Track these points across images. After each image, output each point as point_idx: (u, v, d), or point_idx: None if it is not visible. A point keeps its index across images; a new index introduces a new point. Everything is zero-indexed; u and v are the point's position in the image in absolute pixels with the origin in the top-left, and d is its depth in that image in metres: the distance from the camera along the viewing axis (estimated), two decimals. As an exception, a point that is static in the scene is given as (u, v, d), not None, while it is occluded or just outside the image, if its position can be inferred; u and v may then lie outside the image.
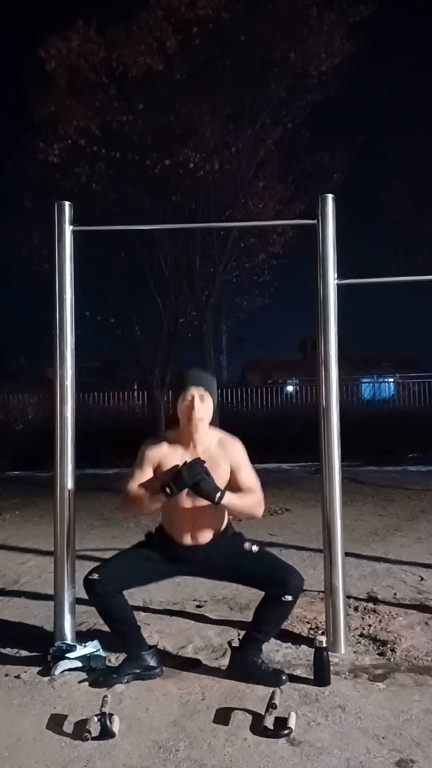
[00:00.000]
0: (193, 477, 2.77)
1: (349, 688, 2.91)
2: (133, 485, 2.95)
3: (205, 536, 3.00)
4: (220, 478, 2.91)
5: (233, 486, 2.97)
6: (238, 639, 3.49)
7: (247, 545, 3.03)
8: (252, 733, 2.54)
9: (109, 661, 3.22)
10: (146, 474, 2.97)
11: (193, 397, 2.92)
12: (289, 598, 2.92)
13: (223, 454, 2.97)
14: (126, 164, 9.34)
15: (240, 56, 9.18)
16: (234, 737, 2.52)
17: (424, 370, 18.21)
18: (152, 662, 3.04)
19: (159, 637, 3.53)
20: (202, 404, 2.93)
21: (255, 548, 3.03)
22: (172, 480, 2.80)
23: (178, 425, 3.03)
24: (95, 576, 2.91)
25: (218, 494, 2.81)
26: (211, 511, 2.92)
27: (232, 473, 2.98)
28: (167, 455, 2.97)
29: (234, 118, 9.50)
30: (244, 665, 3.01)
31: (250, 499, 2.94)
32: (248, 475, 3.00)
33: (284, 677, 2.94)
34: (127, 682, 2.96)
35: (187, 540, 3.00)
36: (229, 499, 2.86)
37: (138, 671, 3.01)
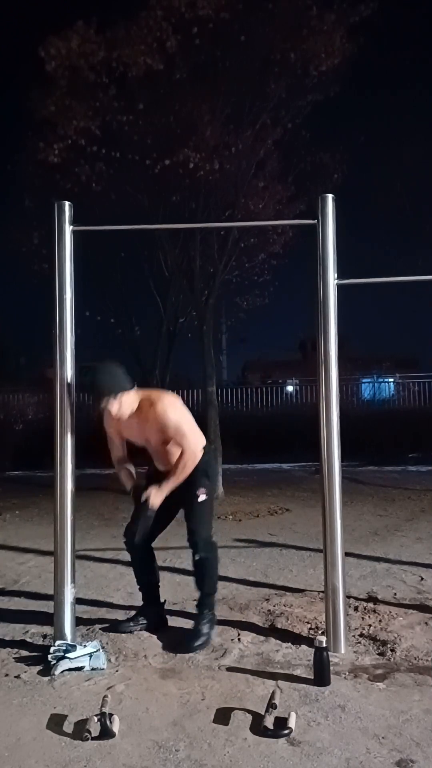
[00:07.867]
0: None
1: (349, 688, 2.91)
2: (112, 453, 3.78)
3: (169, 464, 3.54)
4: (157, 434, 3.47)
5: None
6: (238, 639, 3.50)
7: (200, 491, 3.53)
8: (252, 733, 2.54)
9: (109, 660, 3.22)
10: (114, 438, 3.74)
11: (104, 409, 3.43)
12: (196, 557, 3.53)
13: (154, 413, 3.43)
14: (126, 164, 9.32)
15: (240, 56, 9.15)
16: (234, 737, 2.52)
17: (424, 370, 18.21)
18: (161, 618, 3.70)
19: (158, 637, 3.54)
20: (117, 408, 3.40)
21: (201, 498, 3.53)
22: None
23: None
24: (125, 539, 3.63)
25: (152, 504, 3.42)
26: (165, 452, 3.55)
27: (162, 431, 3.44)
28: (121, 422, 3.59)
29: (234, 118, 9.47)
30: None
31: (179, 472, 3.43)
32: (173, 432, 3.43)
33: (198, 644, 3.37)
34: (140, 629, 3.58)
35: (161, 467, 3.63)
36: (164, 492, 3.43)
37: (147, 623, 3.62)
